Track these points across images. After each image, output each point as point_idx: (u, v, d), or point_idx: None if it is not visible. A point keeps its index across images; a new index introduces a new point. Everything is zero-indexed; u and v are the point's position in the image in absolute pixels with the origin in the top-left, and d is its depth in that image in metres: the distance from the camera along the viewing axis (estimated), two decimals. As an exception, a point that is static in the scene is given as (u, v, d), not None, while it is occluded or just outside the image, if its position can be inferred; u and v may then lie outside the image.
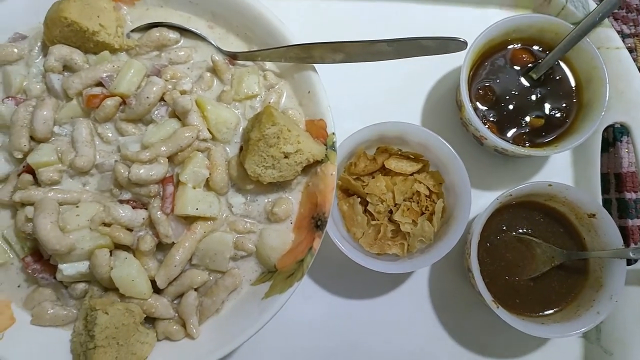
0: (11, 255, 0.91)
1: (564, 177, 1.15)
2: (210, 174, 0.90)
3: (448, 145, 0.99)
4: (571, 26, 1.04)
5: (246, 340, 0.85)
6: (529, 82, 1.08)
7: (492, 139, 1.00)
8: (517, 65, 1.09)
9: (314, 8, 1.19)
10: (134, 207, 0.88)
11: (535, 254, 1.03)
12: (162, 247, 0.89)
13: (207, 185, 0.91)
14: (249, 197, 0.94)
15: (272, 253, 0.91)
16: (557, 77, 1.08)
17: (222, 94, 0.96)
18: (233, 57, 0.99)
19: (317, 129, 0.94)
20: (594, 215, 1.00)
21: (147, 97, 0.90)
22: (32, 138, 0.90)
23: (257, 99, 0.97)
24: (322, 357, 1.06)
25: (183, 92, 0.93)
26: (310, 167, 0.92)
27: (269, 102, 0.96)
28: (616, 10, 1.22)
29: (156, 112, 0.92)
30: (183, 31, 1.01)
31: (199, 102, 0.92)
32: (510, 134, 1.06)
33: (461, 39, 0.83)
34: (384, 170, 1.07)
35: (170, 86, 0.93)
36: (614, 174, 1.14)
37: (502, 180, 1.14)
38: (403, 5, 1.21)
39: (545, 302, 1.02)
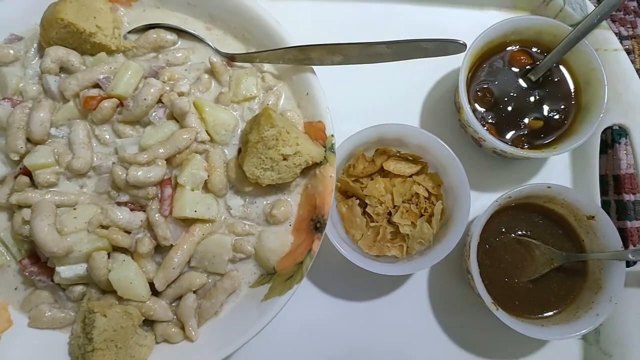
0: (8, 258, 0.91)
1: (563, 179, 1.15)
2: (208, 176, 0.89)
3: (447, 147, 0.99)
4: (569, 28, 1.04)
5: (245, 343, 0.85)
6: (527, 84, 1.08)
7: (491, 140, 1.00)
8: (516, 67, 1.09)
9: (312, 9, 1.19)
10: (132, 210, 0.87)
11: (534, 255, 1.02)
12: (161, 249, 0.88)
13: (206, 187, 0.90)
14: (247, 199, 0.93)
15: (271, 255, 0.91)
16: (556, 79, 1.08)
17: (220, 96, 0.96)
18: (231, 58, 0.99)
19: (316, 131, 0.93)
20: (593, 217, 1.00)
21: (145, 99, 0.89)
22: (28, 140, 0.90)
23: (255, 100, 0.97)
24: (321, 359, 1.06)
25: (181, 94, 0.92)
26: (309, 169, 0.92)
27: (268, 104, 0.95)
28: (614, 13, 1.22)
29: (154, 114, 0.92)
30: (180, 33, 1.01)
31: (197, 104, 0.92)
32: (508, 135, 1.06)
33: (460, 41, 0.83)
34: (383, 172, 1.06)
35: (167, 88, 0.93)
36: (612, 175, 1.15)
37: (501, 182, 1.14)
38: (401, 7, 1.21)
39: (544, 304, 1.02)
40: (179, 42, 1.00)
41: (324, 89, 0.95)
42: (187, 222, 0.89)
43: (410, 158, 1.06)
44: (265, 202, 0.94)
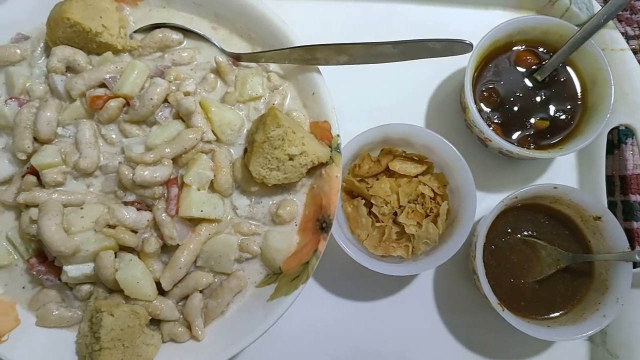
0: (16, 257, 0.91)
1: (569, 179, 1.15)
2: (214, 176, 0.89)
3: (452, 147, 0.99)
4: (575, 28, 1.04)
5: (252, 342, 0.85)
6: (533, 84, 1.08)
7: (497, 141, 1.00)
8: (522, 67, 1.08)
9: (317, 9, 1.19)
10: (138, 209, 0.87)
11: (540, 256, 1.02)
12: (167, 249, 0.89)
13: (212, 187, 0.90)
14: (253, 199, 0.93)
15: (277, 255, 0.91)
16: (562, 79, 1.08)
17: (226, 96, 0.96)
18: (237, 58, 0.99)
19: (322, 131, 0.93)
20: (599, 217, 0.99)
21: (151, 99, 0.90)
22: (35, 139, 0.90)
23: (261, 100, 0.97)
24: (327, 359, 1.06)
25: (187, 94, 0.92)
26: (314, 169, 0.92)
27: (273, 104, 0.95)
28: (620, 12, 1.22)
29: (160, 114, 0.92)
30: (186, 32, 1.01)
31: (203, 103, 0.92)
32: (514, 136, 1.06)
33: (467, 41, 0.83)
34: (388, 172, 1.06)
35: (173, 87, 0.93)
36: (618, 176, 1.14)
37: (506, 183, 1.14)
38: (406, 7, 1.21)
39: (550, 305, 1.02)
40: (185, 42, 1.00)
41: (330, 89, 0.94)
42: (194, 222, 0.89)
43: (416, 158, 1.06)
44: (271, 202, 0.94)
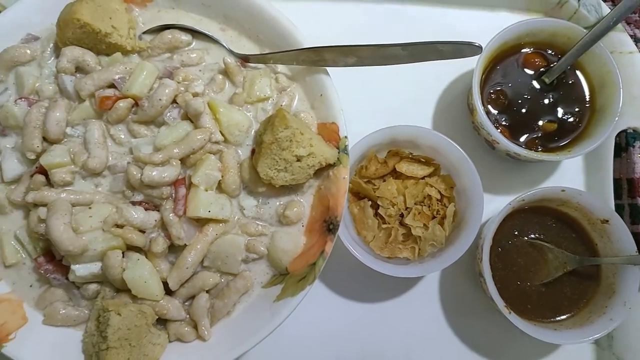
0: (23, 255, 0.92)
1: (576, 182, 1.14)
2: (222, 177, 0.90)
3: (460, 149, 0.99)
4: (584, 30, 1.03)
5: (258, 343, 0.85)
6: (541, 87, 1.07)
7: (505, 143, 1.00)
8: (530, 69, 1.08)
9: (324, 10, 1.19)
10: (146, 209, 0.88)
11: (547, 259, 1.02)
12: (174, 249, 0.89)
13: (219, 187, 0.91)
14: (260, 200, 0.93)
15: (283, 256, 0.91)
16: (570, 82, 1.08)
17: (234, 97, 0.96)
18: (245, 59, 0.99)
19: (329, 132, 0.94)
20: (607, 221, 0.99)
21: (160, 99, 0.90)
22: (44, 139, 0.90)
23: (269, 101, 0.97)
24: (332, 361, 1.06)
25: (195, 95, 0.93)
26: (322, 171, 0.92)
27: (281, 105, 0.95)
28: (629, 15, 1.21)
29: (168, 114, 0.92)
30: (195, 33, 1.01)
31: (211, 104, 0.92)
32: (522, 138, 1.06)
33: (476, 44, 0.82)
34: (395, 174, 1.06)
35: (182, 88, 0.93)
36: (626, 179, 1.14)
37: (514, 185, 1.13)
38: (413, 9, 1.21)
39: (557, 308, 1.02)
40: (194, 43, 1.01)
41: (337, 90, 0.94)
42: (201, 222, 0.89)
43: (423, 160, 1.06)
44: (278, 203, 0.94)
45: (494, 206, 1.08)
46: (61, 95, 0.94)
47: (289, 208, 0.92)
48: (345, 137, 0.92)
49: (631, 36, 1.13)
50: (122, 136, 0.92)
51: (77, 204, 0.87)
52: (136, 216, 0.86)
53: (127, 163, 0.90)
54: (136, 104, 0.92)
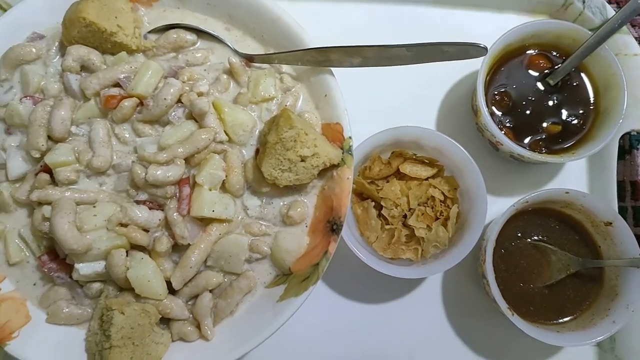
0: (27, 254, 0.92)
1: (579, 184, 1.14)
2: (226, 176, 0.90)
3: (463, 150, 0.99)
4: (589, 32, 1.03)
5: (261, 343, 0.85)
6: (545, 88, 1.07)
7: (509, 144, 1.00)
8: (534, 71, 1.08)
9: (329, 10, 1.19)
10: (150, 208, 0.88)
11: (550, 261, 1.02)
12: (178, 248, 0.89)
13: (223, 187, 0.91)
14: (264, 200, 0.94)
15: (287, 256, 0.91)
16: (575, 84, 1.07)
17: (238, 96, 0.96)
18: (250, 59, 0.99)
19: (334, 133, 0.94)
20: (610, 223, 0.99)
21: (165, 99, 0.90)
22: (49, 138, 0.90)
23: (274, 101, 0.97)
24: (334, 361, 1.06)
25: (200, 94, 0.93)
26: (326, 171, 0.92)
27: (286, 105, 0.95)
28: (634, 17, 1.21)
29: (173, 114, 0.92)
30: (200, 33, 1.01)
31: (216, 104, 0.92)
32: (526, 140, 1.06)
33: (481, 45, 0.82)
34: (399, 175, 1.06)
35: (187, 88, 0.93)
36: (630, 181, 1.13)
37: (517, 187, 1.13)
38: (419, 9, 1.21)
39: (560, 310, 1.02)
40: (199, 43, 1.01)
41: (341, 91, 0.95)
42: (205, 222, 0.89)
43: (427, 161, 1.06)
44: (282, 203, 0.94)
45: (497, 208, 1.08)
46: (66, 94, 0.94)
47: (293, 208, 0.92)
48: (350, 137, 0.92)
49: (636, 38, 1.13)
50: (127, 135, 0.92)
51: (81, 203, 0.87)
52: (140, 215, 0.86)
53: (131, 162, 0.90)
54: (141, 103, 0.92)
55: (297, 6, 1.13)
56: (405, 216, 1.04)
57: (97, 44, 0.95)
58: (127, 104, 0.91)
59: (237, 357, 0.86)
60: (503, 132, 1.03)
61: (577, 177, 1.15)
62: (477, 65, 1.03)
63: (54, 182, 0.89)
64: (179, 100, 0.92)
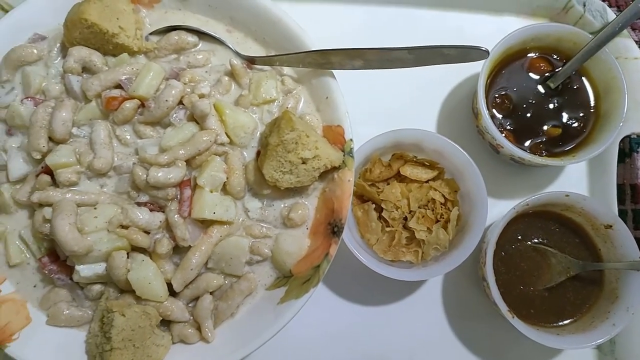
0: (28, 255, 0.92)
1: (580, 187, 1.15)
2: (227, 178, 0.90)
3: (464, 152, 0.99)
4: (589, 36, 1.04)
5: (261, 345, 0.85)
6: (546, 91, 1.08)
7: (509, 147, 1.00)
8: (535, 74, 1.09)
9: (331, 13, 1.19)
10: (151, 210, 0.88)
11: (550, 264, 1.02)
12: (179, 250, 0.89)
13: (224, 189, 0.91)
14: (265, 202, 0.94)
15: (287, 258, 0.91)
16: (575, 87, 1.08)
17: (240, 98, 0.96)
18: (251, 61, 0.99)
19: (335, 135, 0.94)
20: (610, 226, 0.99)
21: (166, 100, 0.90)
22: (50, 139, 0.90)
23: (275, 103, 0.97)
24: (334, 364, 1.06)
25: (201, 96, 0.93)
26: (327, 173, 0.92)
27: (287, 107, 0.96)
28: (635, 21, 1.21)
29: (174, 116, 0.92)
30: (201, 35, 1.01)
31: (217, 106, 0.92)
32: (527, 142, 1.06)
33: (483, 48, 0.83)
34: (399, 177, 1.06)
35: (188, 89, 0.93)
36: (629, 184, 1.14)
37: (517, 189, 1.14)
38: (419, 12, 1.21)
39: (560, 313, 1.02)
40: (200, 44, 1.01)
41: (343, 93, 0.95)
42: (206, 224, 0.89)
43: (427, 163, 1.06)
44: (282, 205, 0.94)
45: (497, 210, 1.09)
46: (67, 95, 0.94)
47: (294, 210, 0.92)
48: (351, 139, 0.92)
49: (636, 42, 1.14)
50: (128, 137, 0.93)
51: (82, 205, 0.87)
52: (141, 217, 0.86)
53: (132, 164, 0.90)
54: (142, 105, 0.92)
55: (298, 8, 1.13)
56: (405, 219, 1.04)
57: (99, 46, 0.95)
58: (129, 105, 0.91)
59: (238, 359, 0.86)
60: (503, 134, 1.04)
61: (578, 180, 1.15)
62: (478, 68, 1.03)
63: (54, 183, 0.89)
64: (181, 102, 0.92)
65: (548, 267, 1.02)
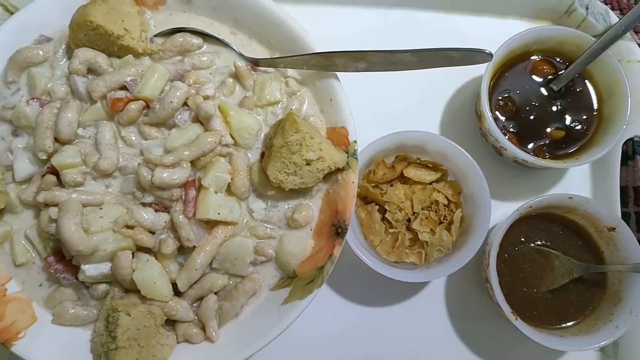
0: (33, 255, 0.92)
1: (583, 189, 1.15)
2: (232, 179, 0.90)
3: (467, 154, 1.00)
4: (592, 39, 1.04)
5: (265, 345, 0.86)
6: (549, 94, 1.08)
7: (512, 149, 1.00)
8: (538, 77, 1.09)
9: (334, 15, 1.20)
10: (156, 210, 0.88)
11: (553, 266, 1.02)
12: (183, 250, 0.89)
13: (229, 190, 0.91)
14: (269, 203, 0.94)
15: (291, 259, 0.91)
16: (578, 89, 1.08)
17: (244, 100, 0.97)
18: (255, 63, 1.00)
19: (339, 137, 0.94)
20: (613, 228, 0.99)
21: (171, 102, 0.90)
22: (56, 140, 0.91)
23: (279, 105, 0.97)
24: (337, 364, 1.07)
25: (206, 97, 0.93)
26: (331, 175, 0.92)
27: (291, 109, 0.96)
28: (638, 24, 1.21)
29: (179, 117, 0.93)
30: (206, 37, 1.01)
31: (222, 107, 0.93)
32: (530, 145, 1.06)
33: (487, 51, 0.83)
34: (403, 179, 1.07)
35: (193, 91, 0.93)
36: (632, 187, 1.14)
37: (520, 192, 1.14)
38: (423, 14, 1.22)
39: (563, 315, 1.02)
40: (205, 46, 1.01)
41: (346, 95, 0.95)
42: (210, 224, 0.90)
43: (431, 165, 1.06)
44: (287, 206, 0.94)
45: (501, 212, 1.09)
46: (73, 97, 0.95)
47: (298, 211, 0.93)
48: (355, 141, 0.93)
49: (639, 45, 1.14)
50: (133, 138, 0.93)
51: (87, 205, 0.87)
52: (146, 217, 0.87)
53: (137, 164, 0.90)
54: (147, 106, 0.92)
55: (302, 10, 1.13)
56: (409, 220, 1.04)
57: (104, 47, 0.96)
58: (134, 106, 0.91)
59: (242, 360, 0.87)
60: (507, 137, 1.04)
61: (581, 183, 1.16)
62: (481, 71, 1.03)
63: (60, 183, 0.90)
64: (185, 104, 0.93)
65: (551, 269, 1.02)
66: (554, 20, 1.21)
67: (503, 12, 1.21)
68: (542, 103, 1.07)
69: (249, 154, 0.95)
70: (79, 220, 0.83)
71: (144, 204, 0.89)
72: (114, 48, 0.96)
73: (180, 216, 0.87)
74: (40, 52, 0.97)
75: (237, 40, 1.03)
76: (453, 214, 1.03)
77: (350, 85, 0.97)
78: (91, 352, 0.89)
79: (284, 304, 0.89)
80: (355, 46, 0.92)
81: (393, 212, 1.03)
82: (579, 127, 1.07)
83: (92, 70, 0.96)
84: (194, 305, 0.91)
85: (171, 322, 0.90)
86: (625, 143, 1.11)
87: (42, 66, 0.98)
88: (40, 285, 0.92)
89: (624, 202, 1.12)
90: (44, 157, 0.90)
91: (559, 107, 1.07)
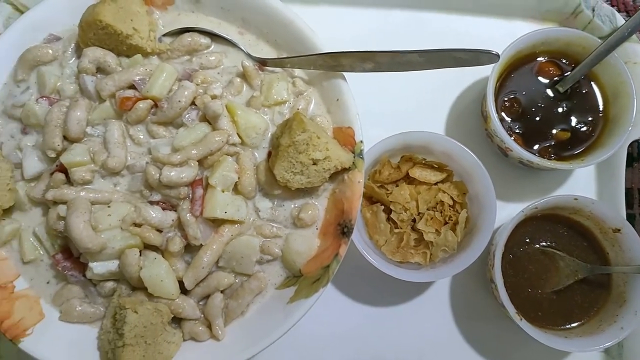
0: (41, 252, 0.93)
1: (588, 190, 1.15)
2: (238, 178, 0.91)
3: (473, 155, 1.00)
4: (598, 40, 1.04)
5: (271, 343, 0.86)
6: (555, 95, 1.08)
7: (518, 150, 1.01)
8: (544, 78, 1.09)
9: (342, 15, 1.20)
10: (163, 209, 0.89)
11: (558, 267, 1.02)
12: (190, 248, 0.90)
13: (236, 189, 0.92)
14: (276, 202, 0.94)
15: (297, 258, 0.92)
16: (584, 91, 1.08)
17: (251, 100, 0.97)
18: (263, 63, 1.00)
19: (345, 137, 0.95)
20: (619, 230, 0.99)
21: (179, 101, 0.91)
22: (65, 138, 0.91)
23: (286, 105, 0.98)
24: (342, 364, 1.07)
25: (214, 97, 0.94)
26: (337, 174, 0.93)
27: (298, 109, 0.97)
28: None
29: (187, 116, 0.93)
30: (214, 36, 1.02)
31: (229, 107, 0.93)
32: (535, 146, 1.07)
33: (494, 52, 0.83)
34: (408, 179, 1.07)
35: (201, 90, 0.94)
36: (637, 189, 1.14)
37: (526, 193, 1.14)
38: (429, 15, 1.22)
39: (567, 316, 1.02)
40: (213, 46, 1.02)
41: (353, 95, 0.95)
42: (217, 223, 0.90)
43: (436, 166, 1.07)
44: (293, 206, 0.95)
45: (506, 213, 1.09)
46: (82, 95, 0.96)
47: (304, 211, 0.93)
48: (361, 141, 0.93)
49: (645, 47, 1.14)
50: (141, 136, 0.94)
51: (96, 203, 0.88)
52: (154, 215, 0.87)
53: (145, 163, 0.91)
54: (155, 105, 0.93)
55: (309, 11, 1.14)
56: (414, 220, 1.04)
57: (113, 46, 0.96)
58: (142, 105, 0.92)
59: (248, 358, 0.87)
60: (512, 138, 1.04)
61: (586, 184, 1.16)
62: (487, 72, 1.04)
63: (69, 181, 0.90)
64: (193, 103, 0.93)
65: (556, 270, 1.03)
66: (560, 22, 1.21)
67: (510, 13, 1.21)
68: (548, 104, 1.08)
69: (256, 153, 0.95)
70: (88, 218, 0.84)
71: (152, 202, 0.90)
72: (123, 47, 0.96)
73: (188, 214, 0.88)
74: (50, 51, 0.98)
75: (245, 40, 1.03)
76: (458, 214, 1.03)
77: (357, 85, 0.97)
78: (98, 349, 0.89)
79: (289, 303, 0.89)
80: (362, 46, 0.93)
81: (398, 212, 1.04)
82: (584, 128, 1.07)
83: (101, 69, 0.96)
84: (200, 303, 0.92)
85: (177, 320, 0.91)
86: (631, 145, 1.11)
87: (52, 65, 0.99)
88: (48, 282, 0.93)
89: (629, 204, 1.12)
90: (53, 155, 0.91)
91: (565, 108, 1.07)
